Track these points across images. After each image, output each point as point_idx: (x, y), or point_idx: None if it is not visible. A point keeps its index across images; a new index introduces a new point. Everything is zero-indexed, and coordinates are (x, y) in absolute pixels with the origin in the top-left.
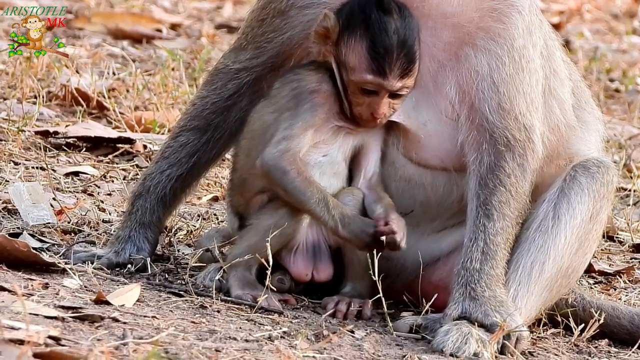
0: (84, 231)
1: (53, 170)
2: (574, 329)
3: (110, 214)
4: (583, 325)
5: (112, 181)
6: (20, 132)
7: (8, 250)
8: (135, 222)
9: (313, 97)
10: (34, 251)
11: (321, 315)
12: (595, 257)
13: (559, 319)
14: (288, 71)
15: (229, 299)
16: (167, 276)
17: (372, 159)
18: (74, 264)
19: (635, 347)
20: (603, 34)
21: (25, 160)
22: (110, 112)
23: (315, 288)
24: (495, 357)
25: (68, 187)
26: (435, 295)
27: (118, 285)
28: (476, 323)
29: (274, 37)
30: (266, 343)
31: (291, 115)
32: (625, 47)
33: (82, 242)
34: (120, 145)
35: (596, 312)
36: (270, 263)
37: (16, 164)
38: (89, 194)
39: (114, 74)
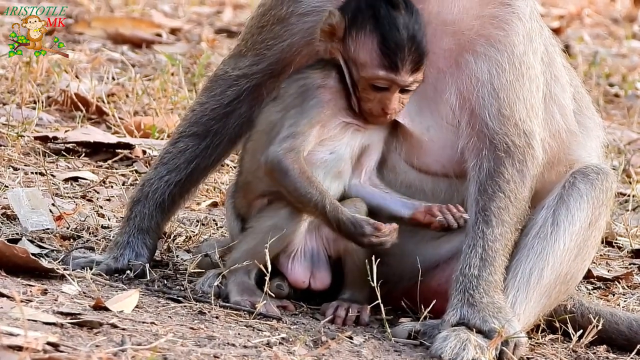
0: (83, 237)
1: (52, 175)
2: (572, 335)
3: (109, 219)
4: (581, 331)
5: (111, 187)
6: (19, 138)
7: (7, 256)
8: (133, 228)
9: (319, 93)
10: (33, 257)
11: (320, 321)
12: (594, 262)
13: (558, 325)
14: (294, 72)
15: (227, 305)
16: (165, 282)
17: (374, 159)
18: (72, 270)
19: (634, 353)
20: (603, 39)
21: (25, 165)
22: (109, 117)
23: (313, 294)
24: None
25: (67, 193)
26: (434, 302)
27: (117, 291)
28: (474, 329)
29: (273, 44)
30: (265, 349)
31: (297, 112)
32: (625, 52)
33: (81, 247)
34: (119, 150)
35: (594, 318)
36: (269, 269)
37: (15, 169)
38: (88, 200)
39: (113, 79)
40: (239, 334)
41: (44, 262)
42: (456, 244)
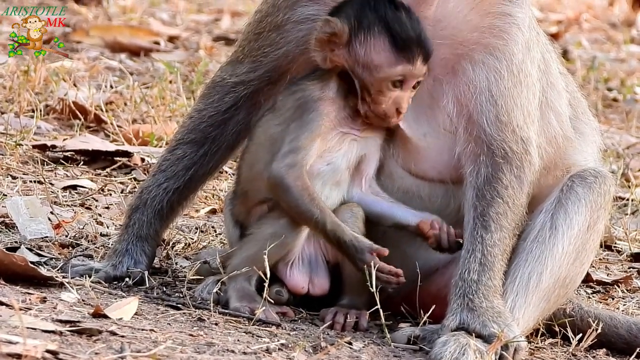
0: (81, 245)
1: (51, 184)
2: (571, 339)
3: (108, 227)
4: (581, 335)
5: (110, 194)
6: (17, 146)
7: (5, 265)
8: (132, 235)
9: (318, 105)
10: (32, 265)
11: (319, 327)
12: (593, 266)
13: (557, 328)
14: (291, 83)
15: (226, 311)
16: (164, 289)
17: (372, 166)
18: (71, 278)
19: (633, 356)
20: (601, 43)
21: (23, 174)
22: (107, 126)
23: (313, 300)
24: None
25: (66, 201)
26: (433, 307)
27: (116, 299)
28: (474, 334)
29: (270, 52)
30: (264, 355)
31: (297, 126)
32: (623, 56)
33: (80, 255)
34: (118, 158)
35: (594, 322)
36: (268, 275)
37: (14, 177)
38: (87, 208)
39: (111, 87)
40: (238, 340)
41: (43, 270)
42: None
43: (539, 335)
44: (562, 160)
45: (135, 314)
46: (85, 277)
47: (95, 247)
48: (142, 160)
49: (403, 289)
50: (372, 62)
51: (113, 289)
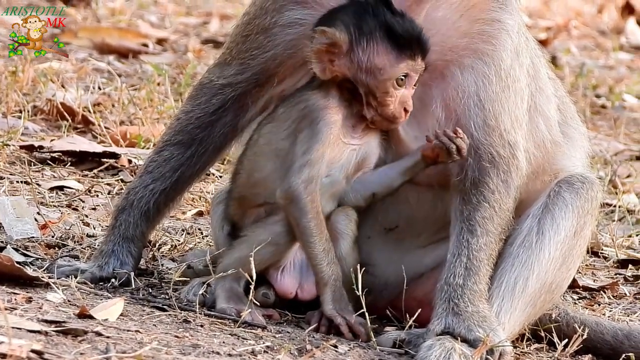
0: (68, 245)
1: (37, 184)
2: (557, 344)
3: (94, 228)
4: (566, 340)
5: (97, 195)
6: (5, 147)
7: None
8: (118, 236)
9: (325, 114)
10: (18, 265)
11: (304, 329)
12: (580, 272)
13: (543, 334)
14: (291, 94)
15: (212, 313)
16: (150, 290)
17: (371, 163)
18: (57, 278)
19: None
20: (590, 50)
21: (10, 174)
22: (95, 127)
23: (299, 303)
24: None
25: (52, 202)
26: (419, 311)
27: (101, 300)
28: (459, 338)
29: (257, 54)
30: (249, 357)
31: (307, 137)
32: (612, 63)
33: (66, 256)
34: (105, 159)
35: (580, 328)
36: (254, 278)
37: (1, 178)
38: (74, 209)
39: (99, 88)
40: (223, 342)
41: (29, 271)
42: (441, 253)
43: (524, 340)
44: (550, 165)
45: (121, 314)
46: (71, 278)
47: (82, 248)
48: (130, 161)
49: (389, 292)
50: (375, 66)
51: (99, 289)
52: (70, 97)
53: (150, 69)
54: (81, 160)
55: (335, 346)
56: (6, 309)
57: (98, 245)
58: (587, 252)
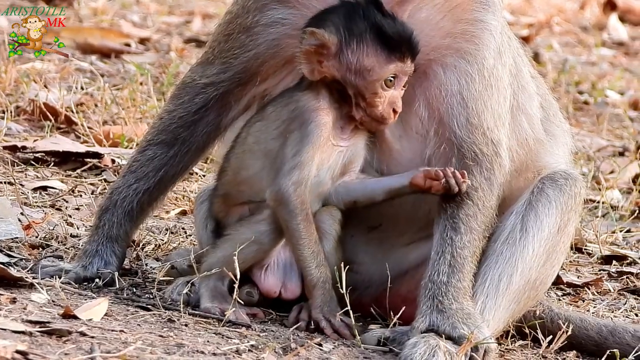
0: (51, 246)
1: (21, 185)
2: (541, 341)
3: (78, 228)
4: (551, 337)
5: (80, 195)
6: None
7: None
8: (102, 236)
9: (316, 116)
10: (2, 266)
11: (289, 328)
12: (564, 269)
13: (527, 330)
14: (281, 94)
15: (196, 312)
16: (134, 290)
17: (357, 165)
18: (41, 279)
19: (603, 358)
20: (572, 46)
21: None
22: (78, 127)
23: (283, 302)
24: None
25: (36, 202)
26: (403, 308)
27: (86, 300)
28: (444, 335)
29: (240, 53)
30: (234, 356)
31: (298, 139)
32: (594, 60)
33: (50, 256)
34: (88, 159)
35: (564, 324)
36: (238, 277)
37: None
38: (57, 209)
39: (82, 88)
40: (208, 341)
41: (13, 271)
42: (425, 250)
43: (509, 337)
44: (533, 162)
45: (105, 314)
46: (55, 278)
47: (66, 248)
48: (113, 161)
49: (373, 290)
50: (364, 67)
51: (83, 289)
52: (53, 97)
53: (133, 69)
54: (64, 160)
55: (320, 344)
56: None
57: (82, 246)
58: (571, 248)
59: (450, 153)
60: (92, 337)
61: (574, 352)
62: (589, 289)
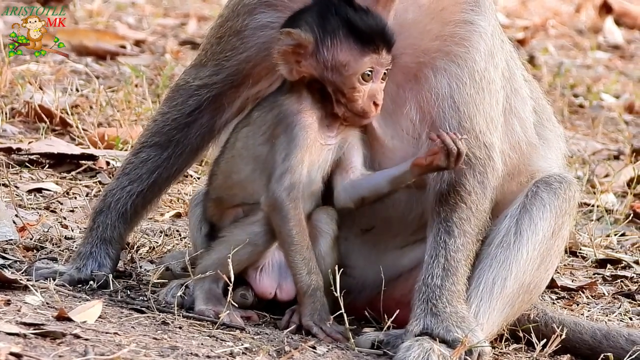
0: (46, 248)
1: (16, 186)
2: (535, 345)
3: (72, 230)
4: (545, 340)
5: (75, 198)
6: None
7: None
8: (96, 238)
9: (300, 118)
10: None
11: (283, 331)
12: (558, 272)
13: (521, 334)
14: (265, 99)
15: (190, 315)
16: (129, 292)
17: (357, 158)
18: (35, 281)
19: None
20: (568, 50)
21: None
22: (73, 129)
23: (278, 304)
24: None
25: (31, 204)
26: (397, 311)
27: (80, 302)
28: (438, 339)
29: (231, 56)
30: (228, 359)
31: (285, 143)
32: (589, 63)
33: (44, 258)
34: (83, 161)
35: (558, 328)
36: (232, 279)
37: None
38: (52, 211)
39: (77, 90)
40: (202, 344)
41: (7, 273)
42: (419, 254)
43: (503, 341)
44: (526, 166)
45: (99, 317)
46: (50, 280)
47: (60, 250)
48: (108, 163)
49: (367, 293)
50: (340, 62)
51: (77, 292)
52: (48, 99)
53: (128, 71)
54: (59, 162)
55: (314, 347)
56: None
57: (76, 248)
58: (566, 252)
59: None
60: (86, 339)
61: (568, 355)
62: (583, 292)
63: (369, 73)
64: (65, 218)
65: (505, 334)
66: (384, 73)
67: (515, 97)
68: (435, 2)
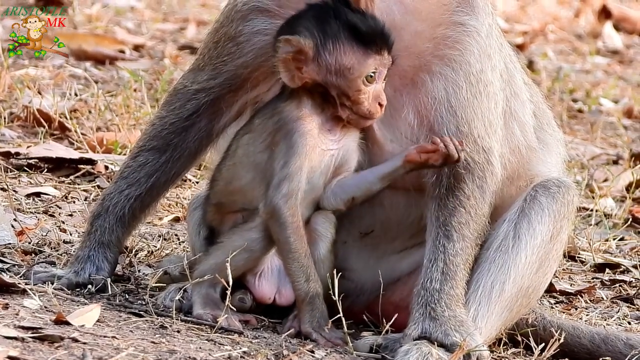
0: (44, 252)
1: (14, 191)
2: (534, 349)
3: (71, 234)
4: (543, 344)
5: (74, 202)
6: None
7: None
8: (94, 242)
9: (299, 125)
10: None
11: (281, 335)
12: (557, 276)
13: (520, 338)
14: (265, 105)
15: (189, 319)
16: (127, 296)
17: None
18: (34, 285)
19: None
20: (567, 54)
21: None
22: (72, 133)
23: (276, 308)
24: None
25: (29, 208)
26: (396, 315)
27: (78, 306)
28: (436, 343)
29: (228, 61)
30: None
31: (284, 150)
32: (588, 68)
33: (43, 262)
34: (81, 166)
35: (557, 332)
36: (231, 283)
37: None
38: (50, 215)
39: (76, 95)
40: (200, 347)
41: (6, 277)
42: (417, 258)
43: (501, 345)
44: (526, 170)
45: (98, 321)
46: (48, 284)
47: (58, 254)
48: (106, 168)
49: (366, 297)
50: (344, 66)
51: (75, 295)
52: (47, 103)
53: (127, 75)
54: (58, 166)
55: (312, 351)
56: None
57: (74, 252)
58: (564, 256)
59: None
60: (84, 343)
61: (566, 359)
62: (581, 297)
63: (373, 74)
64: (63, 222)
65: (504, 338)
66: (385, 73)
67: (514, 100)
68: (419, 1)
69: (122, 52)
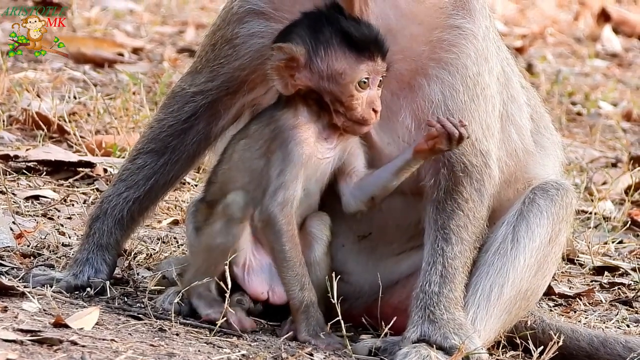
0: (43, 255)
1: (13, 194)
2: (533, 352)
3: (70, 237)
4: (542, 347)
5: (73, 205)
6: None
7: None
8: (93, 245)
9: (295, 133)
10: None
11: (280, 337)
12: (556, 279)
13: (518, 341)
14: (263, 112)
15: (188, 322)
16: (126, 299)
17: (359, 161)
18: (32, 288)
19: None
20: (566, 58)
21: None
22: (71, 136)
23: (275, 311)
24: None
25: (28, 211)
26: (394, 318)
27: (77, 309)
28: (435, 346)
29: (225, 63)
30: None
31: (280, 158)
32: (587, 71)
33: (42, 265)
34: (80, 169)
35: (555, 335)
36: (229, 285)
37: None
38: (49, 218)
39: (75, 98)
40: (199, 350)
41: (4, 280)
42: (415, 260)
43: (500, 348)
44: (523, 173)
45: (96, 323)
46: (47, 287)
47: (57, 257)
48: (105, 170)
49: (364, 300)
50: (336, 71)
51: (74, 298)
52: (46, 106)
53: (126, 78)
54: (57, 169)
55: (311, 354)
56: None
57: (73, 254)
58: (563, 259)
59: (440, 164)
60: (83, 346)
61: None
62: (580, 299)
63: (366, 80)
64: (62, 225)
65: (503, 341)
66: (380, 80)
67: (512, 104)
68: (414, 4)
69: (121, 55)
